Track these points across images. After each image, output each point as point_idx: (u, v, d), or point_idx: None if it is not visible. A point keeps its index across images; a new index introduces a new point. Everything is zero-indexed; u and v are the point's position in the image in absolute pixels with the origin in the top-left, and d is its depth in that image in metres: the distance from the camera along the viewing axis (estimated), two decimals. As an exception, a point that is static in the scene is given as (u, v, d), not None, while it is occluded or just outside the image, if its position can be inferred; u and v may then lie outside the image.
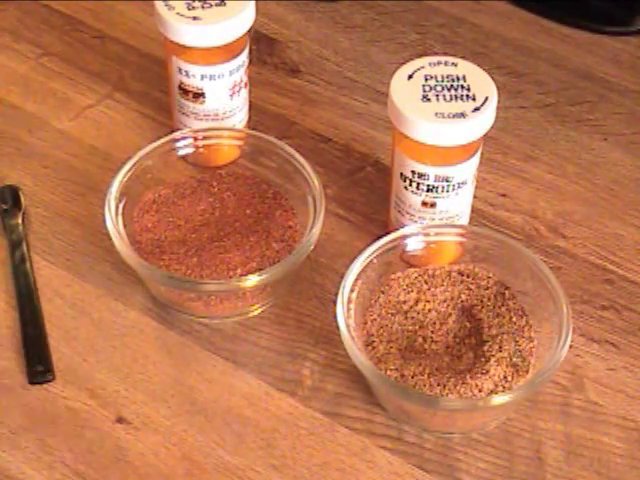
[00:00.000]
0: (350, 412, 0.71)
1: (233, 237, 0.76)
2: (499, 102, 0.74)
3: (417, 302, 0.74)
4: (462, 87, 0.74)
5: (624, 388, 0.73)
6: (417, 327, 0.73)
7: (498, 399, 0.67)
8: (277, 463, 0.69)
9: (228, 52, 0.80)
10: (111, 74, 0.92)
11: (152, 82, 0.91)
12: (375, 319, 0.73)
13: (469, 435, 0.71)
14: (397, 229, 0.75)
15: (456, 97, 0.73)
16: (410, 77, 0.74)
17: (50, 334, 0.74)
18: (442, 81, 0.74)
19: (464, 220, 0.79)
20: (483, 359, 0.70)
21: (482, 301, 0.74)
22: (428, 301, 0.74)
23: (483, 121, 0.73)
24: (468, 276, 0.75)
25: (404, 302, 0.74)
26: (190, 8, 0.78)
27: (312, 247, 0.74)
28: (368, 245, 0.73)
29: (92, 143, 0.86)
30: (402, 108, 0.72)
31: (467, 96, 0.73)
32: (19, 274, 0.77)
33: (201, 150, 0.81)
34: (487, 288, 0.74)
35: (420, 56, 0.77)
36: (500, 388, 0.69)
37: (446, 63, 0.75)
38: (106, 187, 0.76)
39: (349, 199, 0.83)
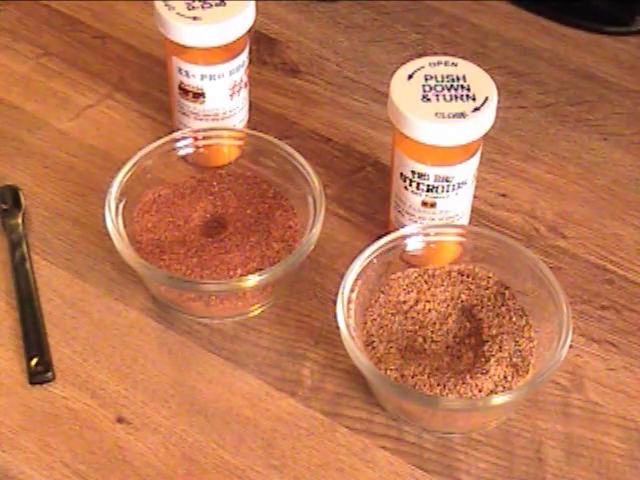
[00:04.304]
0: (350, 412, 0.71)
1: (233, 237, 0.76)
2: (499, 102, 0.74)
3: (417, 302, 0.74)
4: (462, 87, 0.74)
5: (624, 388, 0.73)
6: (417, 327, 0.73)
7: (498, 399, 0.67)
8: (277, 463, 0.69)
9: (228, 52, 0.80)
10: (111, 74, 0.92)
11: (152, 82, 0.91)
12: (375, 319, 0.73)
13: (469, 435, 0.71)
14: (397, 229, 0.75)
15: (456, 97, 0.73)
16: (410, 77, 0.74)
17: (50, 334, 0.74)
18: (442, 81, 0.74)
19: (464, 220, 0.79)
20: (483, 359, 0.70)
21: (482, 301, 0.74)
22: (428, 301, 0.74)
23: (483, 121, 0.73)
24: (468, 276, 0.75)
25: (404, 302, 0.74)
26: (190, 8, 0.78)
27: (312, 247, 0.74)
28: (368, 245, 0.73)
29: (92, 143, 0.86)
30: (402, 108, 0.72)
31: (467, 96, 0.73)
32: (19, 274, 0.77)
33: (201, 150, 0.81)
34: (487, 288, 0.74)
35: (420, 56, 0.77)
36: (500, 388, 0.69)
37: (446, 63, 0.75)
38: (106, 187, 0.76)
39: (349, 199, 0.83)
